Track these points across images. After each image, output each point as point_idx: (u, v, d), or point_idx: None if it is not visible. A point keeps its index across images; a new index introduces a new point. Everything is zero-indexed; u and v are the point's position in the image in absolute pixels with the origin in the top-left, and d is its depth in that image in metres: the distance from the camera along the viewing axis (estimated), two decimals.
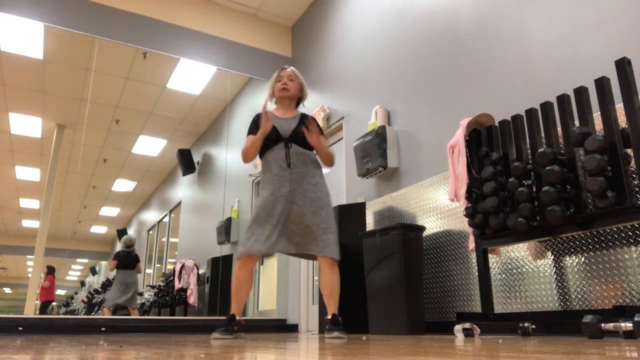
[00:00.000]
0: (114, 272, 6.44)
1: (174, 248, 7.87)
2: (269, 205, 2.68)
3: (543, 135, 2.51)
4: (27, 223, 7.82)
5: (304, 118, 2.89)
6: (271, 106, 3.01)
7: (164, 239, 8.10)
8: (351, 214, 3.89)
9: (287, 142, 2.77)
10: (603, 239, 2.33)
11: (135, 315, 6.40)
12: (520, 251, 2.76)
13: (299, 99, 3.00)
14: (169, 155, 7.64)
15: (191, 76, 6.28)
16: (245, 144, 2.78)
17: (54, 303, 6.90)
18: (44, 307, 6.69)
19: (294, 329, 5.01)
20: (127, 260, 6.51)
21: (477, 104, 3.24)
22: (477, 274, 2.73)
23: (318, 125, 2.87)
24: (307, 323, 4.93)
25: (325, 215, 2.69)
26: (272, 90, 2.96)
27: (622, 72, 2.00)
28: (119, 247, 6.68)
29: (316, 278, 4.90)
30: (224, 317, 2.78)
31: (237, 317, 2.67)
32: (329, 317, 2.61)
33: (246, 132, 2.93)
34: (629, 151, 2.09)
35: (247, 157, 2.78)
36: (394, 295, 3.08)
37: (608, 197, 1.96)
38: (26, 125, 6.34)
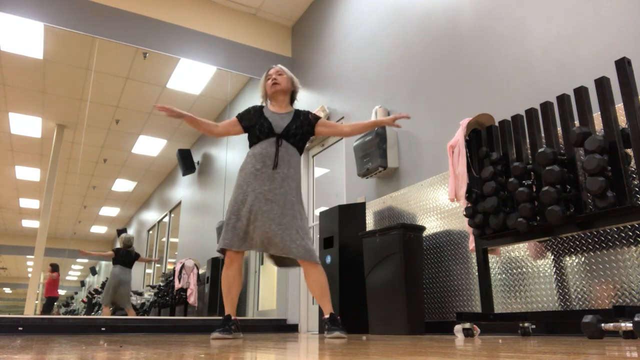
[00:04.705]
0: (110, 268, 6.41)
1: (174, 248, 7.87)
2: (241, 199, 2.68)
3: (543, 135, 2.51)
4: (27, 223, 7.81)
5: (298, 114, 2.89)
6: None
7: (164, 239, 8.10)
8: (351, 214, 3.89)
9: (279, 138, 2.76)
10: (603, 239, 2.33)
11: (131, 315, 6.39)
12: (520, 251, 2.76)
13: (292, 94, 2.99)
14: (169, 155, 7.63)
15: (191, 76, 6.27)
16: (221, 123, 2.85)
17: (54, 303, 6.88)
18: (50, 303, 6.64)
19: (294, 329, 5.01)
20: (126, 258, 6.48)
21: (477, 104, 3.24)
22: (477, 274, 2.73)
23: (313, 116, 2.92)
24: (307, 323, 4.93)
25: (301, 221, 2.69)
26: (263, 89, 2.95)
27: (622, 72, 2.00)
28: (118, 245, 6.67)
29: None
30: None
31: (233, 317, 2.67)
32: (327, 316, 2.60)
33: (246, 136, 2.91)
34: (629, 151, 2.09)
35: (208, 133, 2.84)
36: (394, 295, 3.08)
37: (608, 197, 1.96)
38: (26, 125, 6.33)
